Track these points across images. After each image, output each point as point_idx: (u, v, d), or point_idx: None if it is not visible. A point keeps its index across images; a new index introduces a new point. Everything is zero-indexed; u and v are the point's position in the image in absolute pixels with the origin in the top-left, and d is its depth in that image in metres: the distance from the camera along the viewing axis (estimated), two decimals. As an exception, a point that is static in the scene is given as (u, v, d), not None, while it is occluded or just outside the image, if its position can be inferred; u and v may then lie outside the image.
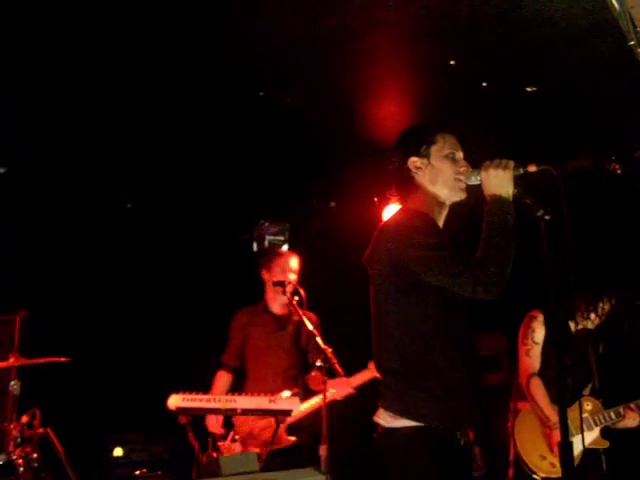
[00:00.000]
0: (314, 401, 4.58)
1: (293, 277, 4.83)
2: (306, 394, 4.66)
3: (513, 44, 4.45)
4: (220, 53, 4.48)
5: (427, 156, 2.83)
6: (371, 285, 2.80)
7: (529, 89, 4.85)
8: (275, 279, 4.75)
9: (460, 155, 2.85)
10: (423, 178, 2.83)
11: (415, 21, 4.24)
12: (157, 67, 4.61)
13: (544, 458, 4.29)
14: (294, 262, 4.91)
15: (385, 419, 2.64)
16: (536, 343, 4.43)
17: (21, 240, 5.84)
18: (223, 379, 4.87)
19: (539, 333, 4.45)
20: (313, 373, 4.68)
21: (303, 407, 4.48)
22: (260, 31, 4.29)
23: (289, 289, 4.61)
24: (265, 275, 4.92)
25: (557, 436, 3.75)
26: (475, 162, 2.77)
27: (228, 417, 4.55)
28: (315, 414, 4.50)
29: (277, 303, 4.91)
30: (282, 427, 4.23)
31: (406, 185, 2.86)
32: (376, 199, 5.67)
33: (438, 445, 2.56)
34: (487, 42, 4.46)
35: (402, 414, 2.59)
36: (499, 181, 2.64)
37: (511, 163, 2.66)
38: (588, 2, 3.91)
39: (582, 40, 4.31)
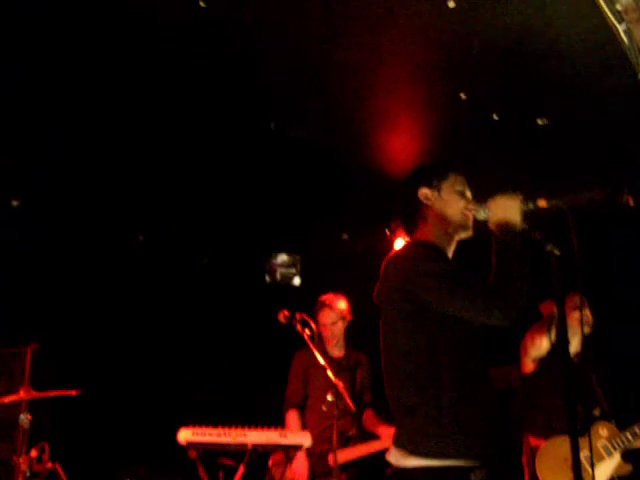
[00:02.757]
0: (372, 446, 4.67)
1: (334, 327, 4.99)
2: (364, 435, 4.77)
3: (524, 78, 4.47)
4: (232, 85, 4.52)
5: (438, 189, 2.80)
6: (380, 321, 2.75)
7: (540, 122, 4.86)
8: (321, 330, 4.91)
9: (469, 194, 2.82)
10: (432, 210, 2.79)
11: (426, 54, 4.27)
12: (169, 99, 4.66)
13: None
14: (338, 308, 5.02)
15: (396, 457, 2.56)
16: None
17: (32, 272, 5.86)
18: (296, 417, 4.86)
19: None
20: (367, 413, 4.90)
21: (360, 450, 4.65)
22: (272, 64, 4.33)
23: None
24: (315, 326, 4.97)
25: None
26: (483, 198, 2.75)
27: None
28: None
29: (333, 347, 5.02)
30: (335, 464, 4.27)
31: (414, 216, 2.83)
32: (388, 231, 5.67)
33: None
34: (498, 75, 4.48)
35: (412, 452, 2.50)
36: (507, 209, 2.61)
37: (519, 195, 2.63)
38: (598, 37, 3.93)
39: (593, 74, 4.33)
